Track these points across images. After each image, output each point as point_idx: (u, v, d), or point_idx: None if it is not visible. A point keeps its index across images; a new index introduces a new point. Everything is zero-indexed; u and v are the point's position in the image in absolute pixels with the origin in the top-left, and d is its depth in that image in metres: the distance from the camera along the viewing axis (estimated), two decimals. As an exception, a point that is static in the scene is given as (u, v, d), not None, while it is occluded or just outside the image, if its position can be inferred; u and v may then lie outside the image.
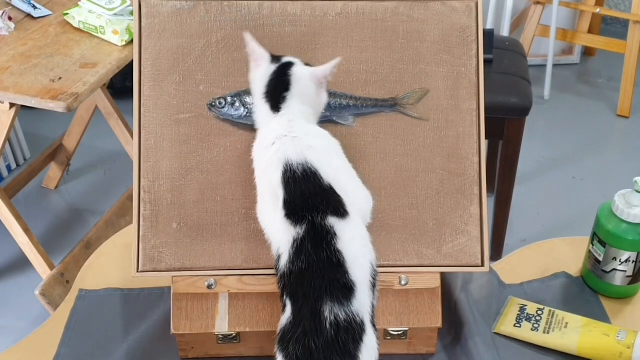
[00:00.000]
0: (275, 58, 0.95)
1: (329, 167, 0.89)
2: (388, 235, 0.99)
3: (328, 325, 0.82)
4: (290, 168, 0.87)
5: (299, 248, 0.85)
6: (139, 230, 0.98)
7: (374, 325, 0.87)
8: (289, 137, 0.89)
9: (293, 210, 0.86)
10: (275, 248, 0.89)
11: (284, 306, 0.87)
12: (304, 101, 0.93)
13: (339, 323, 0.82)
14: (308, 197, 0.86)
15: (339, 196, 0.88)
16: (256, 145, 0.94)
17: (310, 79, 0.93)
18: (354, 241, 0.87)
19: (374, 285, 0.88)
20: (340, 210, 0.87)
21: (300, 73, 0.93)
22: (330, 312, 0.82)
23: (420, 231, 1.00)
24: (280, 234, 0.88)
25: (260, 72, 0.94)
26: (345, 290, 0.84)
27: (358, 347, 0.83)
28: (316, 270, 0.83)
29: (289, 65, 0.94)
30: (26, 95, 1.65)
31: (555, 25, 2.99)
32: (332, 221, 0.86)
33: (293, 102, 0.92)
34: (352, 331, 0.83)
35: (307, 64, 0.95)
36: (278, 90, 0.92)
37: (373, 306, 0.87)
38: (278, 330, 0.87)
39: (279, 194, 0.87)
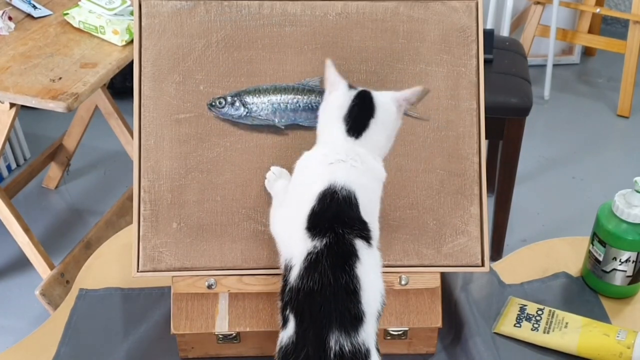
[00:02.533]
0: (351, 87, 0.92)
1: (368, 209, 0.87)
2: (388, 235, 0.99)
3: (332, 355, 0.80)
4: (334, 188, 0.85)
5: (313, 263, 0.82)
6: (139, 230, 0.98)
7: (377, 350, 0.85)
8: (349, 163, 0.87)
9: (317, 222, 0.84)
10: (286, 258, 0.87)
11: (286, 321, 0.84)
12: (384, 128, 0.91)
13: (344, 354, 0.80)
14: (344, 215, 0.84)
15: (370, 229, 0.86)
16: (310, 156, 0.90)
17: (392, 102, 0.91)
18: (372, 270, 0.85)
19: (379, 315, 0.86)
20: (369, 238, 0.85)
21: (381, 99, 0.91)
22: (336, 342, 0.80)
23: (420, 231, 1.00)
24: (294, 245, 0.85)
25: (338, 96, 0.91)
26: (355, 320, 0.81)
27: None
28: (329, 295, 0.81)
29: (368, 93, 0.91)
30: (26, 95, 1.65)
31: (555, 25, 2.99)
32: (359, 244, 0.84)
33: (374, 130, 0.90)
34: None
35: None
36: (362, 115, 0.89)
37: (376, 333, 0.85)
38: (278, 347, 0.85)
39: (309, 205, 0.85)
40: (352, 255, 0.83)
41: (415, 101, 0.92)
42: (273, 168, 0.98)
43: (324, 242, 0.83)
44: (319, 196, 0.85)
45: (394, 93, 0.92)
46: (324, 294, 0.81)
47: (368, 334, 0.83)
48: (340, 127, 0.90)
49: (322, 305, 0.81)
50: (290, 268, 0.85)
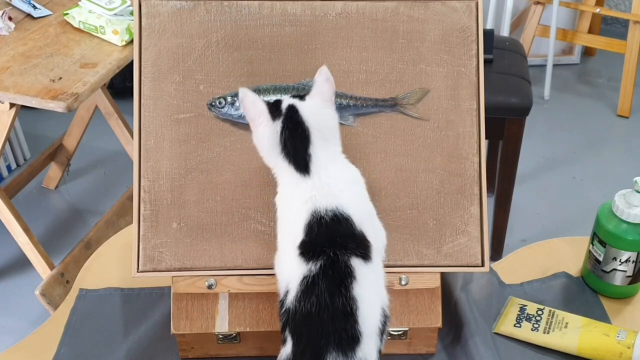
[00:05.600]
0: (273, 108, 0.86)
1: (361, 213, 0.85)
2: (388, 236, 0.99)
3: None
4: (318, 214, 0.82)
5: (310, 286, 0.81)
6: (139, 230, 0.98)
7: None
8: (322, 194, 0.83)
9: (308, 248, 0.82)
10: (284, 282, 0.86)
11: (284, 341, 0.84)
12: (326, 137, 0.86)
13: None
14: (336, 235, 0.82)
15: (368, 241, 0.84)
16: (284, 199, 0.87)
17: (322, 105, 0.87)
18: (371, 289, 0.83)
19: (382, 332, 0.84)
20: (367, 255, 0.83)
21: (308, 109, 0.86)
22: None
23: (420, 231, 1.00)
24: (291, 270, 0.84)
25: (264, 131, 0.86)
26: (351, 341, 0.80)
27: None
28: (326, 317, 0.80)
29: (293, 109, 0.85)
30: (26, 95, 1.65)
31: (555, 25, 2.99)
32: (356, 263, 0.82)
33: (319, 152, 0.85)
34: None
35: (298, 95, 0.89)
36: (299, 145, 0.84)
37: (379, 351, 0.84)
38: None
39: (299, 237, 0.83)
40: (347, 277, 0.81)
41: (330, 93, 0.88)
42: None
43: (319, 264, 0.81)
44: (306, 228, 0.83)
45: (318, 96, 0.87)
46: (321, 316, 0.80)
47: (366, 353, 0.81)
48: (288, 167, 0.85)
49: (319, 327, 0.80)
50: (288, 292, 0.84)
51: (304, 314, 0.80)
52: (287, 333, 0.83)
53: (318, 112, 0.87)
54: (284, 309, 0.84)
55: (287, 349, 0.83)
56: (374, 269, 0.84)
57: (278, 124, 0.85)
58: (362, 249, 0.83)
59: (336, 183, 0.85)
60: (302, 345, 0.81)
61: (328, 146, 0.87)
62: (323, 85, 0.87)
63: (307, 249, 0.82)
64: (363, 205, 0.88)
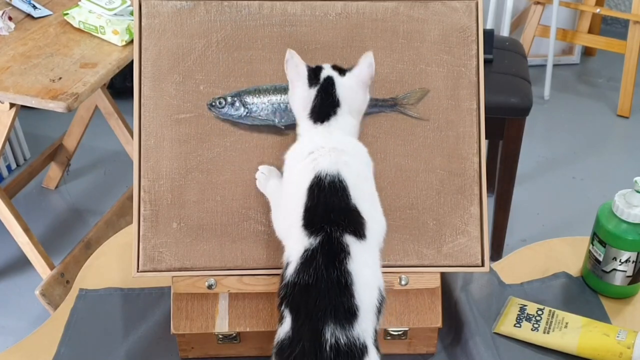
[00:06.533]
0: (312, 75, 0.93)
1: (359, 189, 0.88)
2: (388, 235, 0.98)
3: (328, 348, 0.81)
4: (320, 178, 0.86)
5: (308, 259, 0.84)
6: (139, 230, 0.98)
7: (377, 348, 0.85)
8: (327, 148, 0.89)
9: (311, 220, 0.85)
10: (286, 255, 0.88)
11: (282, 317, 0.85)
12: (352, 111, 0.93)
13: (340, 347, 0.81)
14: (331, 210, 0.85)
15: (362, 218, 0.87)
16: (292, 152, 0.92)
17: (358, 86, 0.93)
18: (365, 266, 0.85)
19: (379, 311, 0.86)
20: (359, 232, 0.86)
21: (344, 85, 0.92)
22: (331, 334, 0.81)
23: (420, 231, 1.00)
24: (293, 243, 0.87)
25: (301, 94, 0.93)
26: (348, 314, 0.82)
27: None
28: (323, 288, 0.82)
29: (330, 82, 0.92)
30: (26, 95, 1.65)
31: (555, 25, 2.99)
32: (349, 240, 0.85)
33: (340, 117, 0.91)
34: (352, 355, 0.82)
35: (338, 68, 0.94)
36: (327, 109, 0.91)
37: (375, 331, 0.86)
38: (275, 341, 0.86)
39: (302, 201, 0.86)
40: (341, 252, 0.84)
41: (368, 78, 0.93)
42: (262, 167, 0.98)
43: (318, 240, 0.84)
44: (309, 190, 0.86)
45: (356, 76, 0.93)
46: (318, 287, 0.82)
47: (364, 330, 0.83)
48: (308, 121, 0.92)
49: (317, 298, 0.82)
50: (288, 264, 0.86)
51: (302, 287, 0.83)
52: (284, 308, 0.85)
53: (351, 88, 0.93)
54: (283, 282, 0.86)
55: (284, 327, 0.85)
56: (368, 249, 0.87)
57: (313, 91, 0.92)
58: (355, 225, 0.86)
59: (343, 142, 0.90)
60: (300, 319, 0.83)
61: (350, 118, 0.93)
62: (364, 68, 0.93)
63: (310, 221, 0.85)
64: (363, 182, 0.90)
